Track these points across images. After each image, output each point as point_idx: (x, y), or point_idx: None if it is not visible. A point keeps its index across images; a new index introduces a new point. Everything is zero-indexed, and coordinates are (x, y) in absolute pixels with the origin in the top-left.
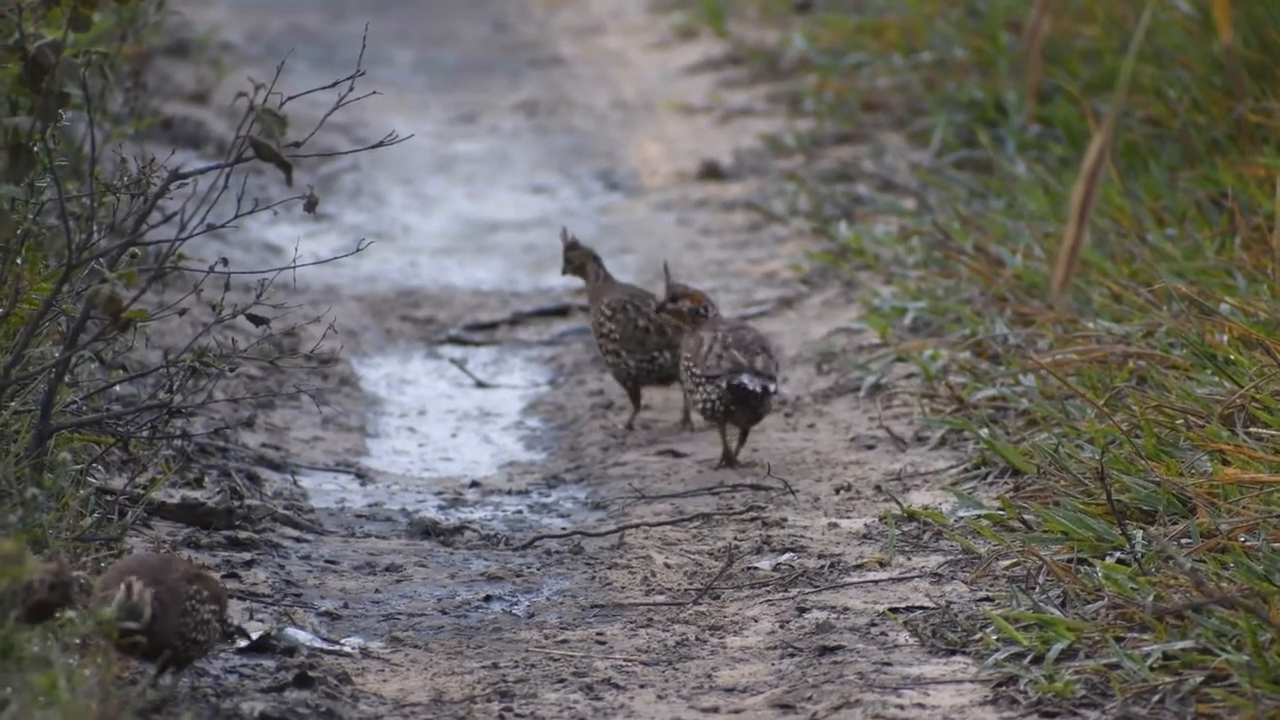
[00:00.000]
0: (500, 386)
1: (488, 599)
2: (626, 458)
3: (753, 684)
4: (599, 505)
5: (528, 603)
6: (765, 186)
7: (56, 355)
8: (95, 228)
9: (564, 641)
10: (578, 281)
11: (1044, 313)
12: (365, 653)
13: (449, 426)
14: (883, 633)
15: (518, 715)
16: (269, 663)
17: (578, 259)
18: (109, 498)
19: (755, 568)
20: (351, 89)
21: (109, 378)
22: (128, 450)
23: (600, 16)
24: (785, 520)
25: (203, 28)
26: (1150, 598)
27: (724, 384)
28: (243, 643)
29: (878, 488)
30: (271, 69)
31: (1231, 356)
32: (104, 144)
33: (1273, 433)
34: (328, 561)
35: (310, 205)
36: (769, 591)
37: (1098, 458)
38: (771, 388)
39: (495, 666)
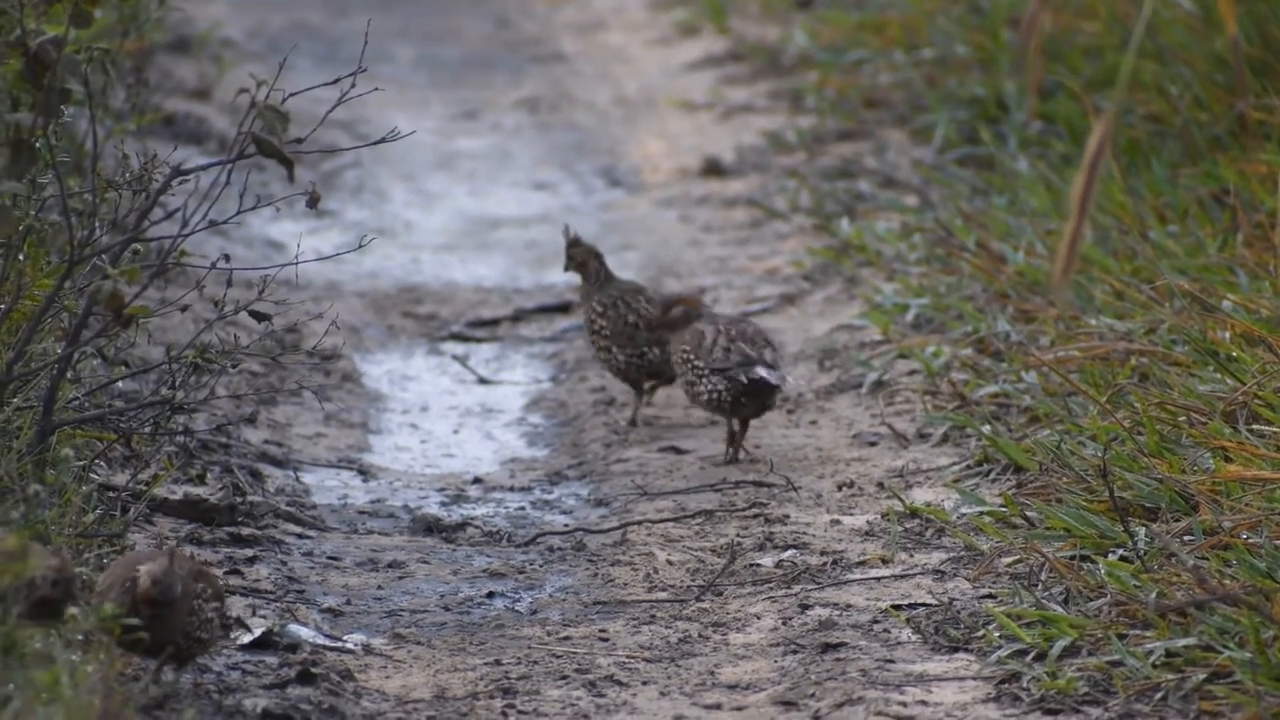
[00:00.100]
0: (502, 383)
1: (490, 595)
2: (629, 454)
3: (755, 681)
4: (601, 502)
5: (530, 599)
6: (767, 183)
7: (59, 351)
8: (97, 224)
9: (566, 638)
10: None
11: (1046, 309)
12: (368, 649)
13: (451, 423)
14: (885, 630)
15: (520, 712)
16: (272, 659)
17: (580, 256)
18: (111, 494)
19: (758, 564)
20: (353, 85)
21: (111, 374)
22: (130, 446)
23: (602, 13)
24: (788, 517)
25: (204, 24)
26: (1153, 595)
27: (742, 377)
28: (245, 637)
29: (880, 484)
30: (273, 65)
31: (1234, 353)
32: (106, 140)
33: (1275, 430)
34: (330, 558)
35: (312, 202)
36: (771, 588)
37: (1100, 455)
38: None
39: (498, 663)
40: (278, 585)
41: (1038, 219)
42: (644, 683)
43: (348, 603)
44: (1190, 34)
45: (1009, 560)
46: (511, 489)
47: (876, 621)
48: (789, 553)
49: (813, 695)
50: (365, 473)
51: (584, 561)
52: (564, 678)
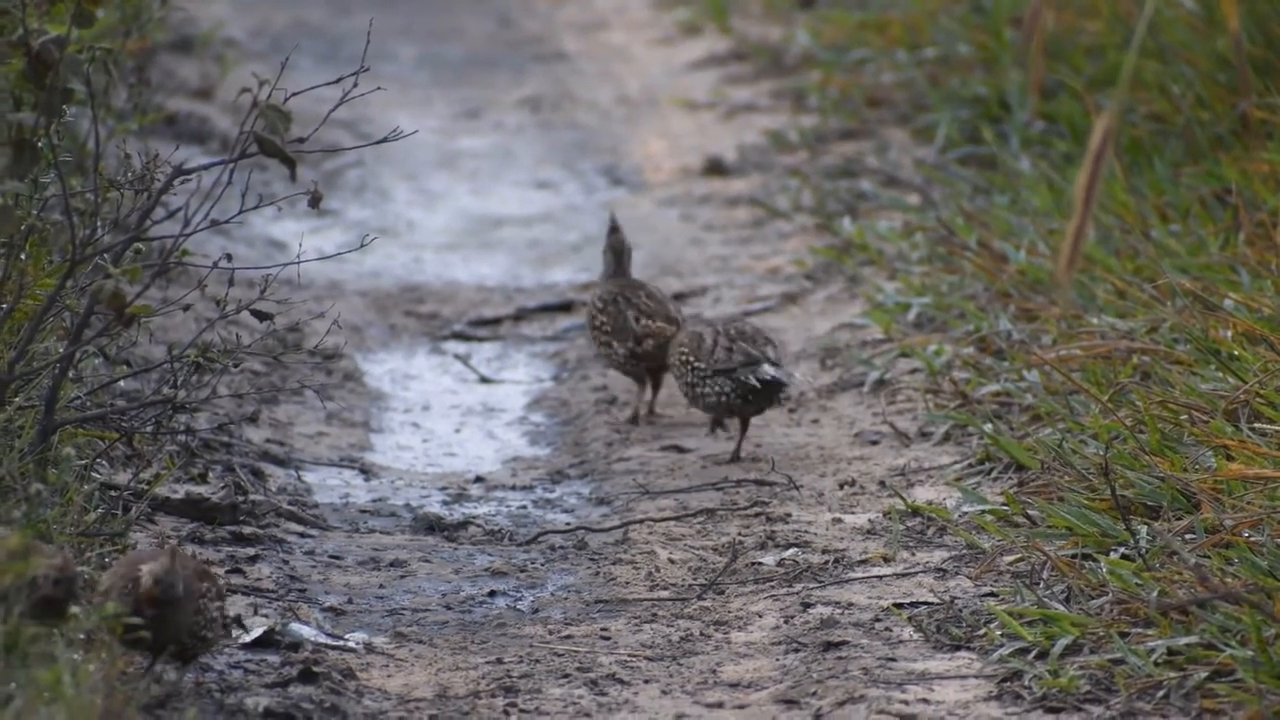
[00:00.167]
0: (504, 382)
1: (492, 594)
2: (630, 453)
3: (757, 679)
4: (603, 500)
5: (532, 598)
6: (769, 182)
7: (61, 351)
8: (99, 223)
9: (568, 637)
10: (582, 277)
11: (1048, 308)
12: (370, 648)
13: (453, 422)
14: (887, 628)
15: (522, 711)
16: (273, 658)
17: (617, 244)
18: (113, 493)
19: (759, 563)
20: (356, 85)
21: (113, 373)
22: (132, 446)
23: (604, 12)
24: (789, 516)
25: (207, 23)
26: (1154, 593)
27: (751, 378)
28: (246, 636)
29: (882, 483)
30: (275, 65)
31: (1235, 352)
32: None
33: (1276, 428)
34: (332, 557)
35: (314, 201)
36: (773, 587)
37: (1102, 453)
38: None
39: (500, 662)
40: (279, 584)
41: (1040, 218)
42: (646, 681)
43: (349, 601)
44: (1192, 33)
45: (1011, 559)
46: (513, 488)
47: (878, 620)
48: (791, 551)
49: (814, 693)
50: (367, 472)
51: (586, 560)
52: (566, 676)
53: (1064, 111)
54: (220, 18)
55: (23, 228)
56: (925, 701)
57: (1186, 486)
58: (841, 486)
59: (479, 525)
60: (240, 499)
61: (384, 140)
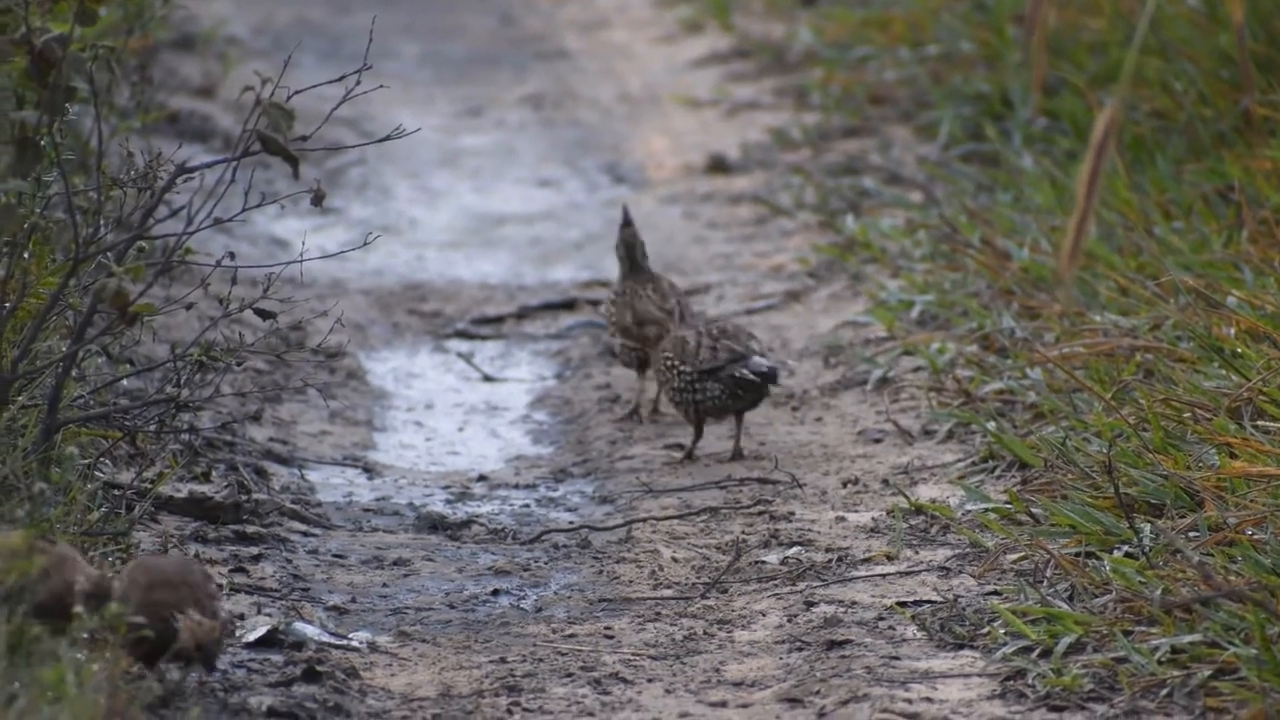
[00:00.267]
0: (507, 380)
1: (495, 593)
2: (633, 451)
3: (760, 678)
4: (606, 499)
5: (535, 597)
6: (772, 180)
7: (63, 350)
8: (102, 222)
9: (572, 636)
10: (584, 275)
11: (1051, 306)
12: (373, 647)
13: (456, 420)
14: (890, 627)
15: (525, 709)
16: (276, 657)
17: (629, 237)
18: (116, 492)
19: (763, 561)
20: (358, 82)
21: (116, 372)
22: (135, 445)
23: (606, 10)
24: (793, 514)
25: (209, 21)
26: (1158, 591)
27: (742, 371)
28: (249, 636)
29: (885, 481)
30: (278, 62)
31: (1239, 349)
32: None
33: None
34: (335, 556)
35: (317, 199)
36: (776, 585)
37: (1105, 451)
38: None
39: (503, 661)
40: (283, 583)
41: (1042, 215)
42: (649, 680)
43: (353, 600)
44: (1194, 30)
45: (1014, 557)
46: (516, 486)
47: (881, 618)
48: (794, 550)
49: (818, 692)
50: (370, 470)
51: (589, 559)
52: (569, 675)
53: (1066, 108)
54: (222, 15)
55: (26, 226)
56: (929, 700)
57: (1190, 484)
58: (845, 485)
59: (482, 524)
60: (243, 498)
61: (387, 138)
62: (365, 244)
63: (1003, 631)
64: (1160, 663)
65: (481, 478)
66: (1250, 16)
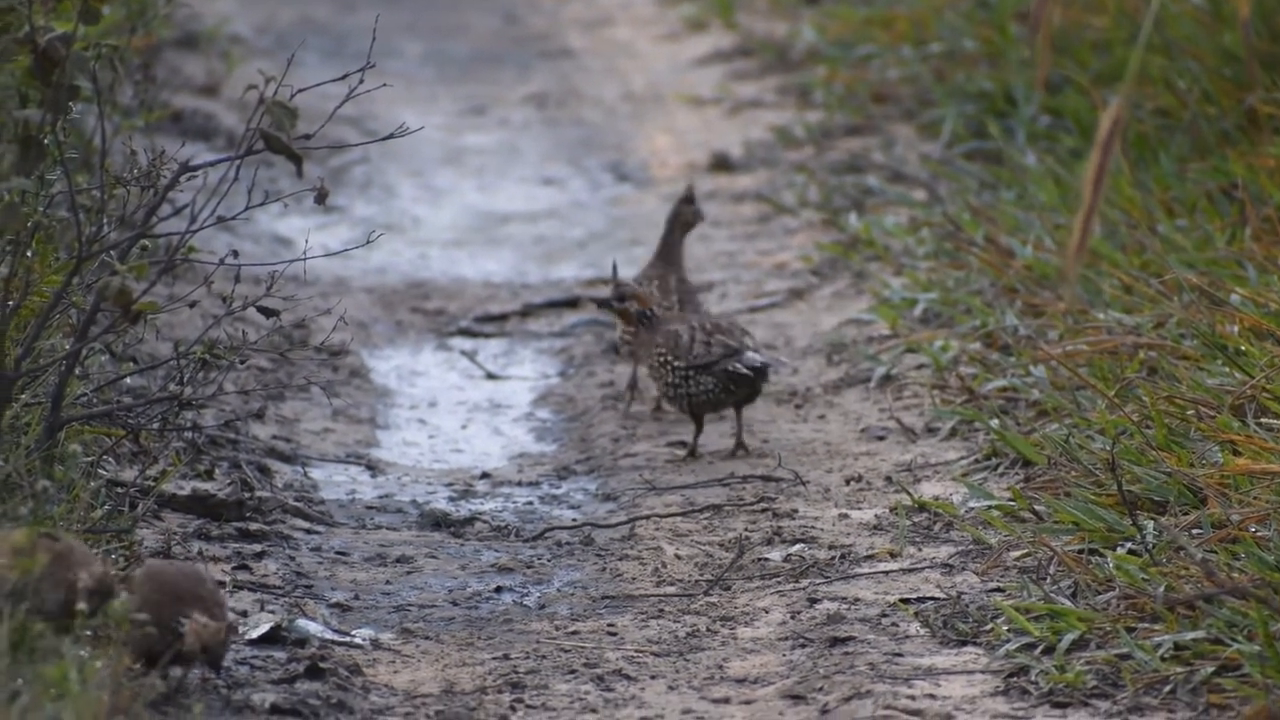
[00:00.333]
0: (510, 378)
1: (498, 590)
2: (637, 449)
3: (764, 675)
4: (609, 496)
5: (538, 594)
6: (775, 178)
7: (67, 348)
8: (105, 220)
9: (575, 633)
10: (588, 273)
11: (1054, 304)
12: (376, 644)
13: (459, 418)
14: (894, 623)
15: (529, 706)
16: (280, 654)
17: (689, 214)
18: (120, 490)
19: (766, 559)
20: (361, 81)
21: (119, 370)
22: (138, 442)
23: (609, 8)
24: (796, 511)
25: (212, 20)
26: (1161, 588)
27: (737, 366)
28: (252, 633)
29: (888, 479)
30: (281, 61)
31: (1242, 347)
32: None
33: None
34: (338, 553)
35: (320, 198)
36: (780, 582)
37: (1108, 448)
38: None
39: (506, 658)
40: (286, 580)
41: (1046, 213)
42: (652, 677)
43: (356, 598)
44: (1198, 28)
45: (1017, 554)
46: (519, 484)
47: (885, 615)
48: (797, 547)
49: (821, 689)
50: (373, 468)
51: (592, 556)
52: (572, 672)
53: (1070, 106)
54: (225, 14)
55: (29, 225)
56: (932, 697)
57: (1193, 481)
58: (848, 482)
59: (485, 521)
60: (247, 495)
61: (390, 137)
62: (368, 242)
63: (1006, 628)
64: (1163, 659)
65: (484, 475)
66: (1254, 14)
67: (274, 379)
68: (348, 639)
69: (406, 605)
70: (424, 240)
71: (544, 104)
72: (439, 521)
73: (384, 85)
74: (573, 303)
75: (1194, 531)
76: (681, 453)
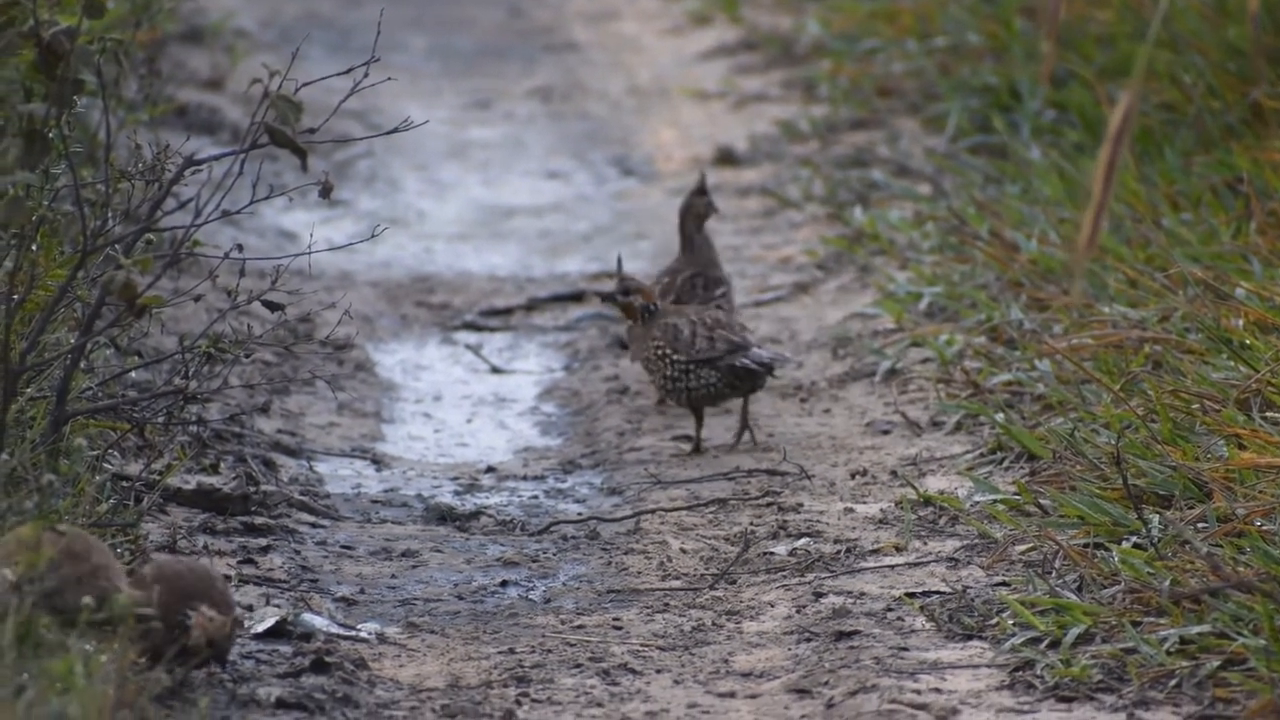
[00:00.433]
0: (516, 372)
1: (504, 584)
2: (642, 443)
3: (769, 669)
4: (615, 490)
5: (544, 588)
6: (780, 172)
7: (72, 341)
8: (110, 214)
9: (580, 627)
10: (593, 267)
11: (1060, 298)
12: (382, 638)
13: (464, 412)
14: (899, 618)
15: (534, 701)
16: (285, 648)
17: (700, 205)
18: (125, 484)
19: (771, 553)
20: (366, 75)
21: (124, 364)
22: (143, 436)
23: (614, 2)
24: (801, 505)
25: (217, 14)
26: (1167, 582)
27: (743, 361)
28: (258, 627)
29: (894, 473)
30: (286, 55)
31: (1247, 341)
32: (119, 130)
33: None
34: (344, 547)
35: (325, 191)
36: (785, 576)
37: (1114, 442)
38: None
39: (512, 652)
40: (291, 574)
41: (1051, 207)
42: (658, 671)
43: (361, 592)
44: (1204, 22)
45: (1023, 548)
46: (525, 478)
47: (890, 609)
48: (802, 541)
49: (826, 683)
50: (378, 462)
51: (597, 550)
52: (578, 666)
53: (1075, 100)
54: (230, 8)
55: (34, 219)
56: (937, 691)
57: (1198, 475)
58: (853, 476)
59: (491, 515)
60: (252, 489)
61: (395, 130)
62: (373, 236)
63: (1011, 622)
64: (1169, 653)
65: (490, 469)
66: (1260, 9)
67: (279, 373)
68: (353, 633)
69: (412, 599)
70: (429, 234)
71: (549, 98)
72: (444, 515)
73: (389, 79)
74: (578, 297)
75: (1199, 525)
76: (687, 447)
